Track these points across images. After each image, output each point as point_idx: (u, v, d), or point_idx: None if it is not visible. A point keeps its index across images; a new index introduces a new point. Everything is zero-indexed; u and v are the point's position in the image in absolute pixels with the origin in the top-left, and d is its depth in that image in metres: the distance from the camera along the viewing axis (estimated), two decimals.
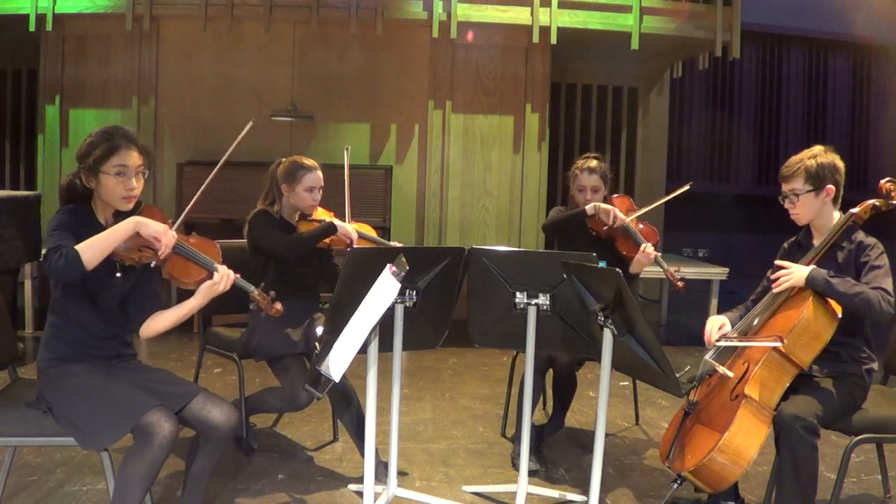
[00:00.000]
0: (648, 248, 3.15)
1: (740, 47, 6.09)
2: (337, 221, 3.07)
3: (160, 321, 2.32)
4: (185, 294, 2.33)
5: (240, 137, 2.36)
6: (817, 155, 2.52)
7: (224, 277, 2.26)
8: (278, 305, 2.43)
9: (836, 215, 2.56)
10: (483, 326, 2.75)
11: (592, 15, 5.90)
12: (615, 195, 3.47)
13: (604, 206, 3.27)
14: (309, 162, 3.12)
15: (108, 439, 2.10)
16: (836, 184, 2.52)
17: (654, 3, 5.94)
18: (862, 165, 9.35)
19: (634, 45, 5.91)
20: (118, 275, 2.25)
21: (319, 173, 3.13)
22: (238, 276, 2.32)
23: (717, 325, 2.62)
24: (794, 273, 2.42)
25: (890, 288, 2.36)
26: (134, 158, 2.19)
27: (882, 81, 9.49)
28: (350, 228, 3.08)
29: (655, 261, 3.15)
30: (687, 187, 3.45)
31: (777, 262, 2.55)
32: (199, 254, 2.28)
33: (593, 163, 3.39)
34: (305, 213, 3.14)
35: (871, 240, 2.49)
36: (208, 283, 2.25)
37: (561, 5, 5.85)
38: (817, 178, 2.49)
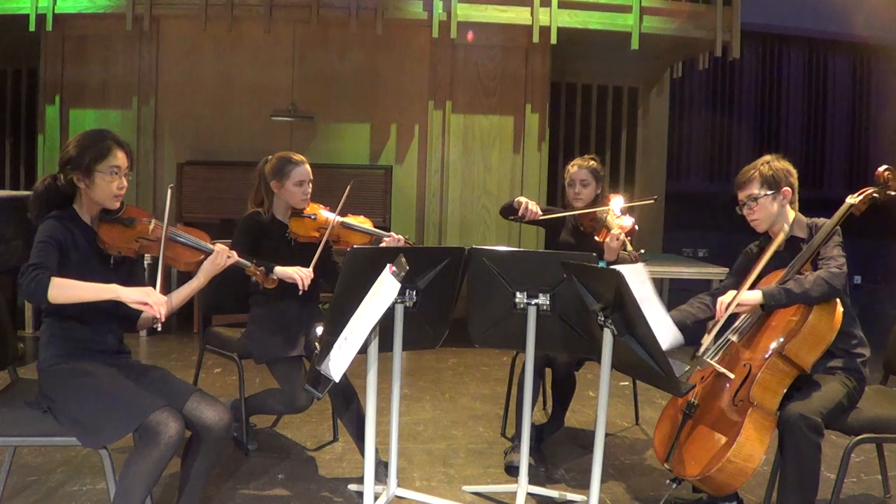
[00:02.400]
0: (615, 231, 3.18)
1: (740, 47, 6.10)
2: (279, 268, 2.87)
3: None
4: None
5: (168, 206, 2.37)
6: (770, 161, 2.57)
7: (220, 252, 2.41)
8: (274, 276, 2.66)
9: (792, 216, 2.58)
10: (483, 326, 2.75)
11: (592, 15, 5.90)
12: (610, 194, 3.51)
13: (522, 199, 3.40)
14: (297, 157, 3.11)
15: (112, 437, 2.11)
16: (791, 186, 2.56)
17: (654, 3, 5.94)
18: (861, 165, 9.36)
19: (634, 45, 5.92)
20: (111, 266, 2.32)
21: (307, 167, 3.11)
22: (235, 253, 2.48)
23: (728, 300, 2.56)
24: (744, 299, 2.42)
25: (836, 253, 2.39)
26: (124, 160, 2.30)
27: (882, 81, 9.49)
28: (291, 271, 2.89)
29: (622, 245, 3.18)
30: (651, 200, 3.67)
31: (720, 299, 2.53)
32: (194, 238, 2.42)
33: (588, 161, 3.46)
34: (297, 208, 3.13)
35: (821, 220, 2.52)
36: (209, 259, 2.39)
37: (561, 5, 5.85)
38: (773, 181, 2.53)
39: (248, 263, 2.55)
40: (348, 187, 3.08)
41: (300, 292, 2.88)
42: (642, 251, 3.18)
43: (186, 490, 2.29)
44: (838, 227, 2.46)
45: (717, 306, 2.50)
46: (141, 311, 2.35)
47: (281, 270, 2.87)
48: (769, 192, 2.53)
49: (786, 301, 2.38)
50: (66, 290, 2.04)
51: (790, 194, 2.55)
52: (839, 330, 2.45)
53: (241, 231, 3.06)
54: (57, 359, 2.23)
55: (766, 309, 2.44)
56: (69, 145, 2.27)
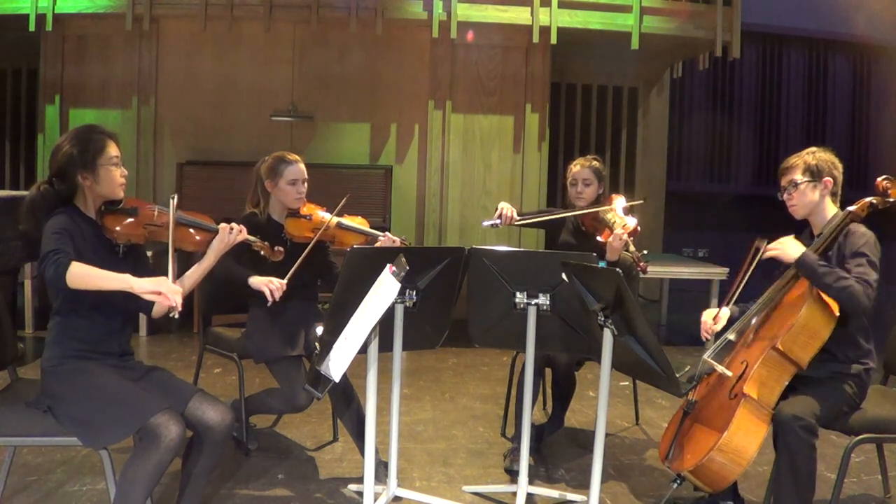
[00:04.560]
0: (618, 230, 3.17)
1: (740, 47, 6.10)
2: (252, 278, 2.88)
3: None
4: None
5: (171, 214, 2.37)
6: (816, 151, 2.58)
7: (226, 228, 2.47)
8: (279, 248, 2.77)
9: (831, 209, 2.57)
10: (483, 326, 2.75)
11: (592, 15, 5.90)
12: (612, 195, 3.51)
13: (502, 204, 3.42)
14: (291, 156, 3.12)
15: (113, 438, 2.12)
16: (833, 178, 2.55)
17: (654, 3, 5.94)
18: (862, 165, 9.35)
19: (634, 45, 5.91)
20: (120, 256, 2.35)
21: (302, 166, 3.11)
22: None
23: (711, 316, 2.63)
24: (784, 246, 2.44)
25: (873, 278, 2.36)
26: (117, 149, 2.35)
27: (882, 81, 9.49)
28: (262, 282, 2.85)
29: (625, 245, 3.17)
30: (641, 201, 3.74)
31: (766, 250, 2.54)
32: (200, 221, 2.51)
33: (590, 161, 3.46)
34: (291, 207, 3.13)
35: (859, 227, 2.49)
36: (217, 238, 2.46)
37: (561, 5, 5.84)
38: (816, 170, 2.54)
39: (254, 239, 2.66)
40: (346, 197, 3.07)
41: (268, 303, 2.86)
42: (644, 252, 3.18)
43: (187, 491, 2.29)
44: (874, 240, 2.45)
45: (759, 248, 2.52)
46: (153, 303, 2.37)
47: (254, 281, 2.88)
48: (810, 180, 2.54)
49: (810, 276, 2.38)
50: (83, 276, 2.05)
51: (831, 185, 2.55)
52: (849, 339, 2.47)
53: None
54: (62, 358, 2.23)
55: (796, 269, 2.43)
56: (63, 146, 2.26)
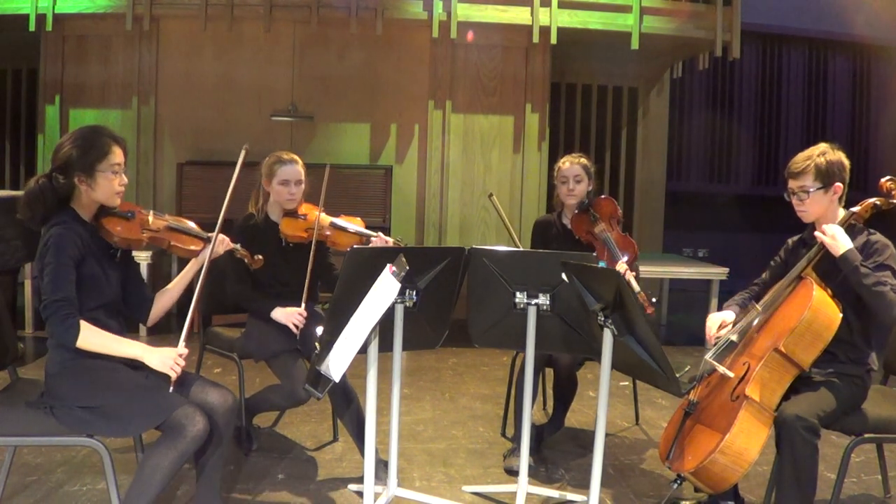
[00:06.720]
0: (621, 265, 3.16)
1: (740, 47, 6.09)
2: (275, 312, 2.99)
3: (169, 296, 2.52)
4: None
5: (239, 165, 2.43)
6: (825, 152, 2.50)
7: (216, 240, 2.52)
8: (259, 257, 2.80)
9: (841, 213, 2.56)
10: (483, 326, 2.75)
11: (592, 15, 5.89)
12: (602, 196, 3.49)
13: None
14: (287, 156, 3.13)
15: (140, 427, 2.18)
16: (843, 182, 2.52)
17: (654, 3, 5.94)
18: (862, 165, 9.33)
19: (634, 45, 5.91)
20: (116, 261, 2.38)
21: (297, 167, 3.12)
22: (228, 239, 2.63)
23: (717, 323, 2.63)
24: (836, 239, 2.39)
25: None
26: (122, 156, 2.31)
27: (882, 81, 9.48)
28: (286, 317, 2.97)
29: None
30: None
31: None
32: (191, 228, 2.57)
33: (578, 158, 3.45)
34: (285, 207, 3.13)
35: (879, 237, 2.47)
36: (207, 248, 2.50)
37: (561, 5, 5.84)
38: (827, 176, 2.47)
39: (237, 247, 2.72)
40: (325, 175, 3.11)
41: (297, 337, 2.96)
42: (654, 300, 3.15)
43: (203, 482, 2.32)
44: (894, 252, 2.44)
45: (817, 231, 2.47)
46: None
47: (278, 315, 2.98)
48: (821, 187, 2.47)
49: (850, 273, 2.34)
50: (92, 339, 2.15)
51: (841, 190, 2.51)
52: (849, 340, 2.47)
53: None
54: (74, 359, 2.21)
55: (839, 263, 2.39)
56: (64, 145, 2.23)
